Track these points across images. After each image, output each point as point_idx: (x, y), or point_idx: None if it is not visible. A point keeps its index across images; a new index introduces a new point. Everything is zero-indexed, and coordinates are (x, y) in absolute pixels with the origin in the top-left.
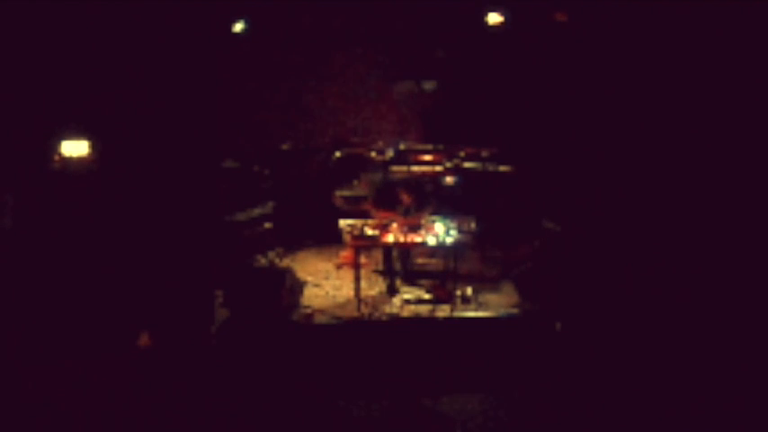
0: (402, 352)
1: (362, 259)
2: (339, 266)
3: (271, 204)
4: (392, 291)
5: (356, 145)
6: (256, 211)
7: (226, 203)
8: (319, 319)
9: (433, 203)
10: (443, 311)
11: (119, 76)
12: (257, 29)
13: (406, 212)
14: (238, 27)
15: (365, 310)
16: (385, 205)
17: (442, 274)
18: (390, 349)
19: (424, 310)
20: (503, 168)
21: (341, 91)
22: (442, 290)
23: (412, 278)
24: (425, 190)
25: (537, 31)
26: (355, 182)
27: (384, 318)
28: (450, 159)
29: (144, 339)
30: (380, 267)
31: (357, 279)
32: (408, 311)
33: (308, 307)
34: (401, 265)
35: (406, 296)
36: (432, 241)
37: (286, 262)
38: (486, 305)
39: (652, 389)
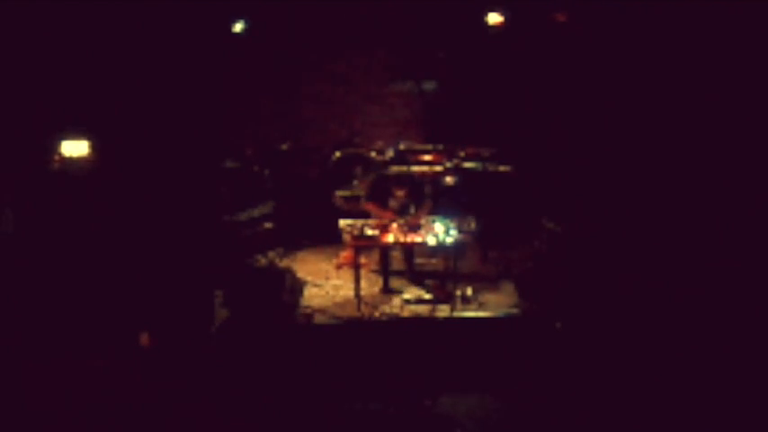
0: (402, 352)
1: (362, 259)
2: (339, 266)
3: (271, 204)
4: (387, 289)
5: (356, 145)
6: (256, 211)
7: (226, 203)
8: (319, 319)
9: (429, 201)
10: (443, 311)
11: (119, 76)
12: (257, 29)
13: (402, 209)
14: (238, 27)
15: (365, 310)
16: (378, 200)
17: (442, 274)
18: (390, 349)
19: (424, 310)
20: (503, 168)
21: (341, 91)
22: (442, 290)
23: (416, 278)
24: (422, 186)
25: (537, 32)
26: (355, 182)
27: (384, 318)
28: (450, 159)
29: (144, 339)
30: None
31: (357, 279)
32: (408, 311)
33: (307, 307)
34: (406, 266)
35: (407, 296)
36: (432, 241)
37: (286, 262)
38: (486, 305)
39: (652, 389)
